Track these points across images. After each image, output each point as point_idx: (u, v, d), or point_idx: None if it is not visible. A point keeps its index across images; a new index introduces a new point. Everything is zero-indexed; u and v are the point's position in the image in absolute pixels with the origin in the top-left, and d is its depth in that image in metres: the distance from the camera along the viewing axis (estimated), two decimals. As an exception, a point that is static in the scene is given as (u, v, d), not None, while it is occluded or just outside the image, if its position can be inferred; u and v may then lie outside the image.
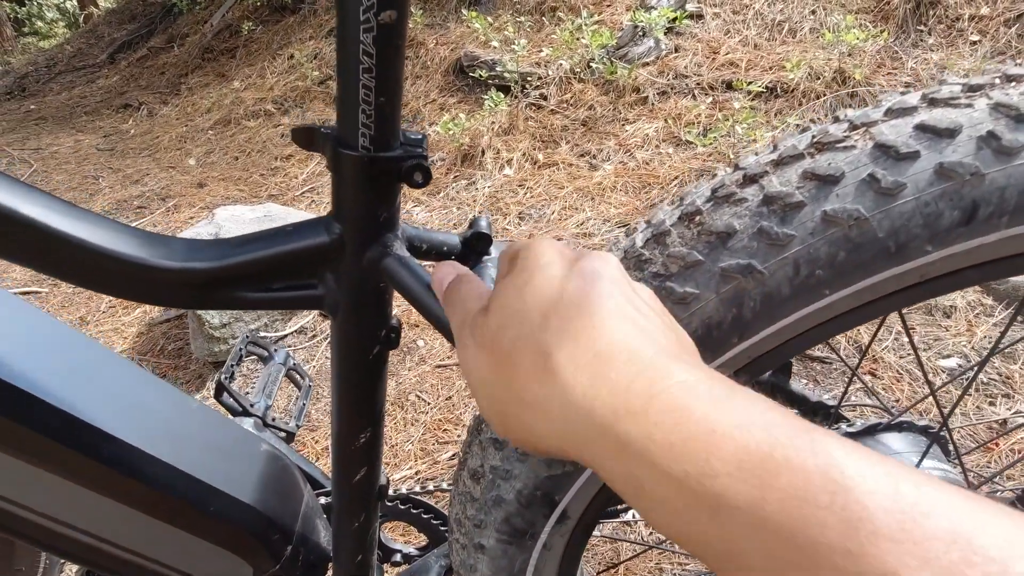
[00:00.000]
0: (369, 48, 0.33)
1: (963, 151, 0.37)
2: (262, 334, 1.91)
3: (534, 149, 2.89)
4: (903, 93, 0.42)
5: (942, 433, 0.66)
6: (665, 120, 2.84)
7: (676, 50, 3.18)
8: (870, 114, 0.41)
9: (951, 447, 0.64)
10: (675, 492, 0.22)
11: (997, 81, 0.39)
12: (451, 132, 2.93)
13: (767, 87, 2.80)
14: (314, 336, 1.98)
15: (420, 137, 0.39)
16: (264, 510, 0.54)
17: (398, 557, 0.78)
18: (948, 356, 1.62)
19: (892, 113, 0.40)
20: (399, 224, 0.41)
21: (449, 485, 0.78)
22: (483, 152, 2.90)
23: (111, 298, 2.33)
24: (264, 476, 0.56)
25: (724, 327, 0.40)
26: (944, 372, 1.58)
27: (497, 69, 3.19)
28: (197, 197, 3.14)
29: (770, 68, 2.93)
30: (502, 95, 3.05)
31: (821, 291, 0.39)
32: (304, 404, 0.81)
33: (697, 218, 0.41)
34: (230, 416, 0.71)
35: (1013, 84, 0.39)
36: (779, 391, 0.69)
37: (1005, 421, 1.41)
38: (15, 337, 0.45)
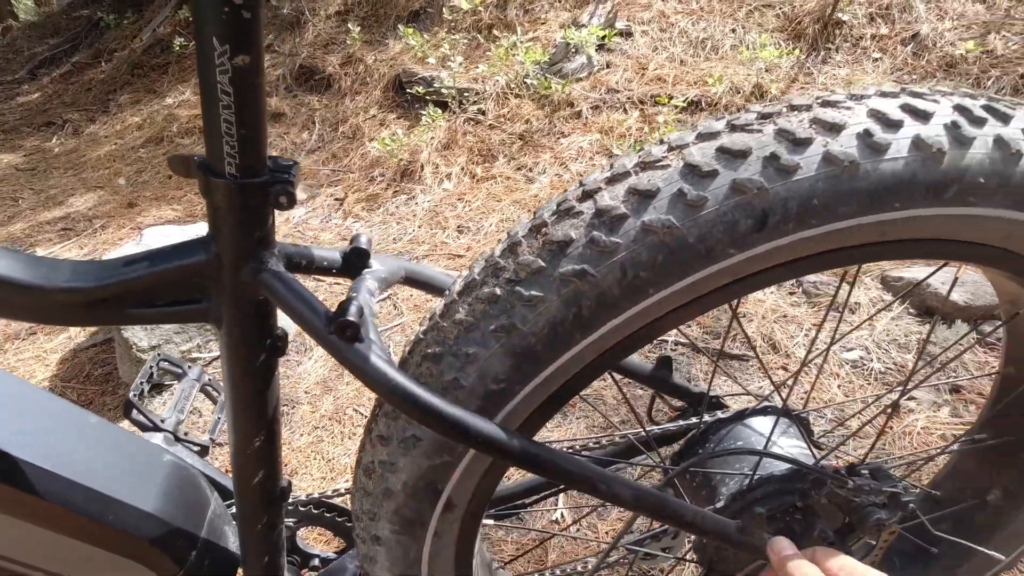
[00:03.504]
0: (226, 87, 0.37)
1: (752, 169, 0.44)
2: (195, 355, 1.89)
3: (472, 163, 2.95)
4: (717, 119, 0.49)
5: (804, 415, 0.74)
6: (598, 133, 2.95)
7: (607, 66, 3.31)
8: (685, 137, 0.47)
9: (806, 426, 0.72)
10: None
11: (783, 110, 0.47)
12: (390, 148, 2.96)
13: (692, 100, 2.95)
14: (249, 354, 1.97)
15: (291, 164, 0.43)
16: (165, 518, 0.56)
17: (316, 562, 0.80)
18: (851, 349, 1.75)
19: (701, 136, 0.47)
20: (274, 242, 0.45)
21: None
22: (422, 167, 2.94)
23: (31, 325, 2.24)
24: (166, 486, 0.59)
25: (567, 325, 0.46)
26: (848, 364, 1.71)
27: (435, 85, 3.24)
28: (127, 217, 3.06)
29: (695, 83, 3.09)
30: (440, 111, 3.10)
31: (647, 290, 0.45)
32: (220, 418, 0.83)
33: (543, 229, 0.47)
34: (138, 432, 0.73)
35: (795, 113, 0.46)
36: (662, 384, 0.76)
37: (896, 403, 1.54)
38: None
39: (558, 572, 0.83)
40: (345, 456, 1.61)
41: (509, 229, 0.49)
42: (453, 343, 0.49)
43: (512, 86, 3.24)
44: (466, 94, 3.20)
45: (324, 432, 1.68)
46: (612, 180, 0.47)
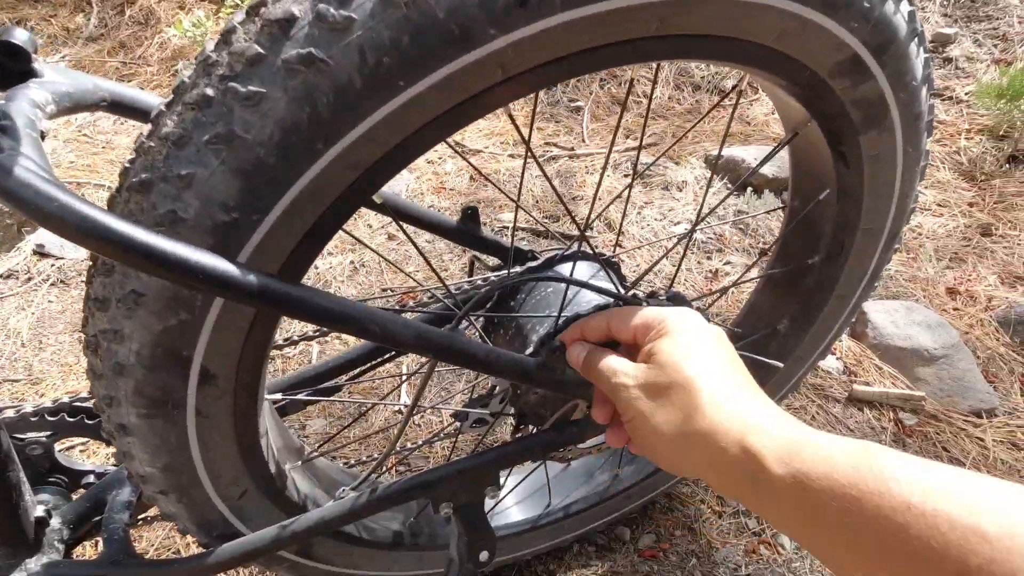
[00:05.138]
0: None
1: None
2: (-47, 285, 1.54)
3: (295, 53, 2.63)
4: None
5: (614, 259, 0.73)
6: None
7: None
8: None
9: (610, 266, 0.72)
10: (778, 482, 0.34)
11: None
12: (192, 36, 2.53)
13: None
14: (29, 279, 1.66)
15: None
16: None
17: (91, 478, 0.69)
18: (679, 223, 1.86)
19: None
20: None
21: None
22: (236, 57, 2.56)
23: None
24: None
25: (302, 129, 0.37)
26: (674, 237, 1.81)
27: (241, -41, 2.78)
28: None
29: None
30: (250, -10, 2.68)
31: (395, 83, 0.38)
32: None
33: (261, 9, 0.37)
34: None
35: None
36: (470, 239, 0.71)
37: (716, 271, 1.67)
38: None
39: (376, 455, 0.79)
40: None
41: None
42: (163, 165, 0.38)
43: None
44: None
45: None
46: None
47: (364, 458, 0.96)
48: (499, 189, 0.58)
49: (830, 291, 0.81)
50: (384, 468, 1.06)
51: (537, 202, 1.90)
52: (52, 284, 1.66)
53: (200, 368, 0.46)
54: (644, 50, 0.45)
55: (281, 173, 0.39)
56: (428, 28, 0.37)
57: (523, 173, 0.62)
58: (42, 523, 0.58)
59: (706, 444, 0.38)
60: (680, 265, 0.77)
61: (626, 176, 2.03)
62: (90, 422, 0.64)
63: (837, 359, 1.38)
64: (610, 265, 0.73)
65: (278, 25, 0.36)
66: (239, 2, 2.60)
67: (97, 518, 0.64)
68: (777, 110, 0.69)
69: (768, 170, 1.88)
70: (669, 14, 0.43)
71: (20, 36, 0.38)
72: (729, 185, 1.95)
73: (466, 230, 0.69)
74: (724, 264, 1.71)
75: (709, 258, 1.73)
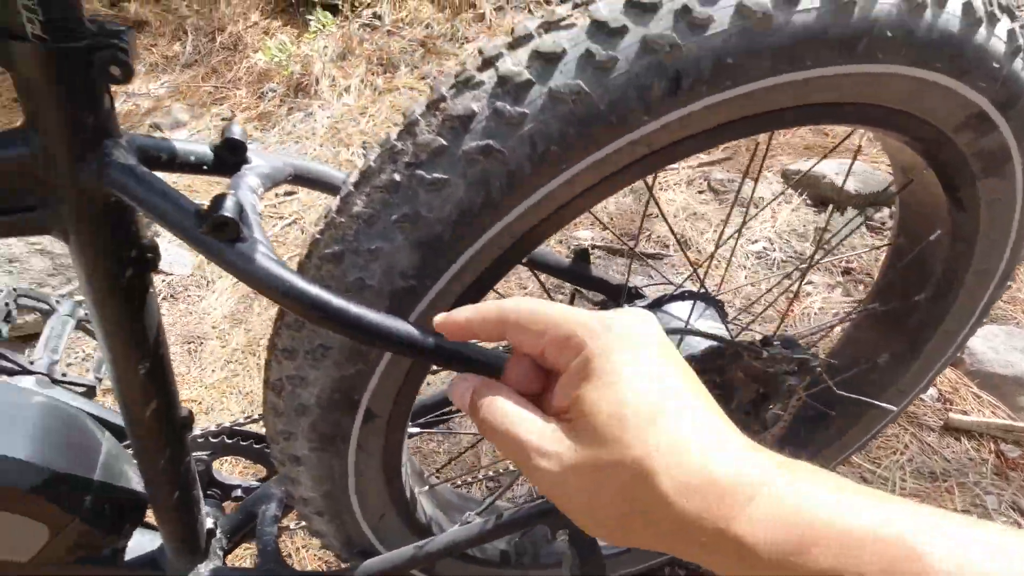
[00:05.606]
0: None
1: (663, 24, 0.40)
2: (80, 298, 1.71)
3: (372, 74, 2.75)
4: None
5: (709, 296, 0.75)
6: (503, 36, 2.80)
7: (510, -38, 3.10)
8: (590, -8, 0.43)
9: (721, 309, 0.74)
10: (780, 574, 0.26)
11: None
12: (278, 59, 2.69)
13: None
14: (144, 294, 1.81)
15: (121, 28, 0.35)
16: (45, 464, 0.50)
17: (239, 492, 0.77)
18: (756, 241, 1.84)
19: (608, -10, 0.42)
20: (119, 130, 0.38)
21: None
22: (318, 80, 2.70)
23: None
24: (42, 431, 0.52)
25: (476, 209, 0.42)
26: (753, 256, 1.80)
27: (322, -14, 2.93)
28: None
29: (600, -20, 2.97)
30: (330, 15, 2.83)
31: (559, 166, 0.42)
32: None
33: (441, 105, 0.42)
34: (3, 378, 0.64)
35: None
36: (580, 278, 0.75)
37: (797, 292, 1.65)
38: None
39: (491, 474, 0.84)
40: (252, 375, 1.55)
41: (404, 109, 0.43)
42: (353, 239, 0.44)
43: (409, -14, 2.98)
44: (359, -4, 2.92)
45: (238, 366, 1.60)
46: (514, 44, 0.42)
47: (479, 479, 1.01)
48: (612, 232, 0.61)
49: (936, 327, 0.80)
50: (495, 490, 1.12)
51: (612, 219, 1.92)
52: (163, 298, 1.81)
53: (365, 409, 0.52)
54: (778, 120, 0.48)
55: (455, 245, 0.44)
56: (591, 119, 0.41)
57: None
58: (211, 533, 0.66)
59: (677, 536, 0.28)
60: (790, 306, 0.79)
61: (700, 192, 2.02)
62: (244, 444, 0.72)
63: (931, 386, 1.34)
64: (714, 304, 0.75)
65: (459, 120, 0.41)
66: (322, 27, 2.75)
67: (246, 529, 0.72)
68: (888, 156, 0.69)
69: (850, 185, 1.84)
70: (806, 90, 0.46)
71: (237, 131, 0.45)
72: (808, 201, 1.91)
73: (577, 269, 0.73)
74: (805, 283, 1.68)
75: (787, 277, 1.71)
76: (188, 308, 1.79)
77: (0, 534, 0.51)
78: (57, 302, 0.74)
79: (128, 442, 0.63)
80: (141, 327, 0.46)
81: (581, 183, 0.45)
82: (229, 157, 0.44)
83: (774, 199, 1.93)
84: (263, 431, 0.74)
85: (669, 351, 0.31)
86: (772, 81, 0.44)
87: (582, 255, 0.74)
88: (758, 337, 0.67)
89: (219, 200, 0.37)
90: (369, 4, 2.89)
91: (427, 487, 0.72)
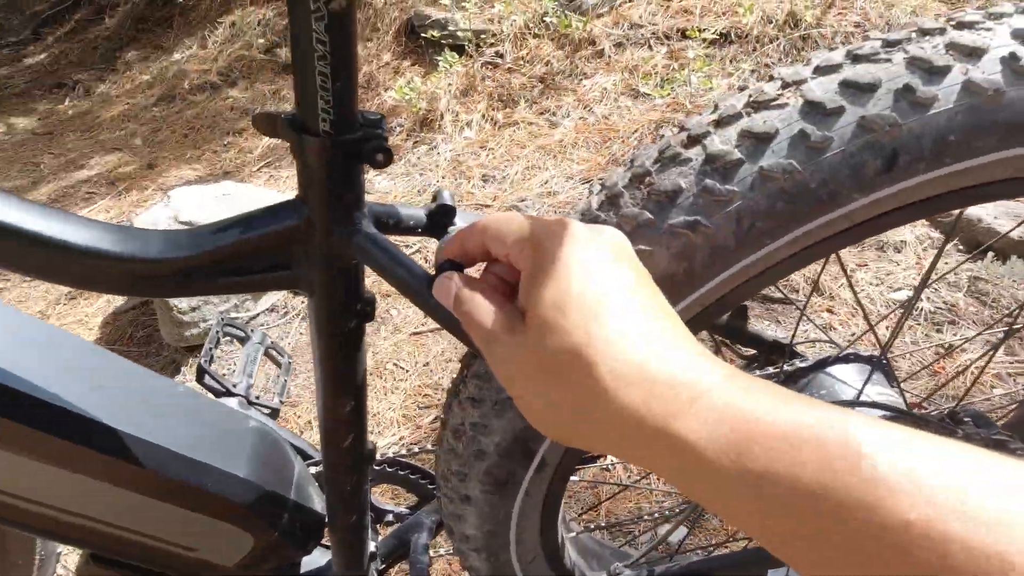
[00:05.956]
0: (322, 36, 0.34)
1: (883, 104, 0.40)
2: (232, 315, 1.90)
3: (493, 109, 2.87)
4: (831, 50, 0.45)
5: (884, 361, 0.72)
6: (622, 72, 2.83)
7: (629, -1, 3.15)
8: (800, 71, 0.43)
9: (893, 373, 0.70)
10: (723, 477, 0.25)
11: (913, 35, 0.42)
12: (407, 97, 2.88)
13: (721, 33, 2.80)
14: (286, 313, 1.98)
15: (378, 117, 0.40)
16: (258, 481, 0.56)
17: (390, 517, 0.82)
18: (899, 289, 1.71)
19: (820, 70, 0.43)
20: (364, 202, 0.43)
21: (433, 446, 0.82)
22: (442, 115, 2.86)
23: (71, 289, 2.27)
24: (255, 451, 0.59)
25: (676, 280, 0.44)
26: (896, 304, 1.67)
27: (449, 28, 3.11)
28: (148, 179, 3.04)
29: (724, 13, 2.93)
30: (456, 55, 2.99)
31: (762, 241, 0.43)
32: (285, 381, 0.83)
33: (647, 179, 0.44)
34: (213, 398, 0.73)
35: (927, 38, 0.42)
36: (737, 333, 0.74)
37: (950, 345, 1.51)
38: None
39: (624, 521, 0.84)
40: (390, 411, 1.63)
41: (601, 179, 0.46)
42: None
43: (530, 25, 3.10)
44: (482, 36, 3.07)
45: (367, 388, 1.69)
46: (721, 123, 0.44)
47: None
48: (784, 296, 0.60)
49: None
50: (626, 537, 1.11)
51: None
52: (303, 319, 1.97)
53: (540, 458, 0.54)
54: (986, 193, 0.46)
55: (649, 313, 0.45)
56: (800, 196, 0.41)
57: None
58: (372, 556, 0.71)
59: (617, 431, 0.28)
60: (979, 377, 0.73)
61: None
62: (402, 474, 0.77)
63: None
64: (881, 368, 0.71)
65: (665, 195, 0.43)
66: (449, 66, 2.91)
67: (398, 554, 0.76)
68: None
69: (1015, 231, 1.67)
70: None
71: (447, 197, 0.49)
72: (961, 247, 1.76)
73: (736, 326, 0.73)
74: (955, 336, 1.54)
75: (939, 330, 1.57)
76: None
77: (215, 539, 0.58)
78: (252, 331, 0.84)
79: (308, 463, 0.69)
80: (353, 370, 0.51)
81: (778, 255, 0.45)
82: (440, 220, 0.48)
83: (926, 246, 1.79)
84: (416, 462, 0.79)
85: (626, 256, 0.32)
86: (995, 156, 0.42)
87: (739, 311, 0.73)
88: (928, 406, 0.62)
89: (443, 267, 0.41)
90: (492, 44, 3.04)
91: (574, 533, 0.73)
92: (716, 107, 0.45)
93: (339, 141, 0.38)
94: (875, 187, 0.41)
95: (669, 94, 2.61)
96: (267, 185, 2.78)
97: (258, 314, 1.96)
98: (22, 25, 5.31)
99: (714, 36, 2.77)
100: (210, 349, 0.75)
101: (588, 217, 0.46)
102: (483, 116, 2.85)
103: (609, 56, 2.94)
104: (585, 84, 2.86)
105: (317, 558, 0.72)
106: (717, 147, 0.42)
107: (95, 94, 4.24)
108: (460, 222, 0.51)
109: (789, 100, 0.42)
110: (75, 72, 4.50)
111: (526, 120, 2.78)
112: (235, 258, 0.42)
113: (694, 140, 0.44)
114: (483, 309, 0.33)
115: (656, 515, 0.98)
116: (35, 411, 0.43)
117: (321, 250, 0.43)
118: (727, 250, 0.43)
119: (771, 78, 0.45)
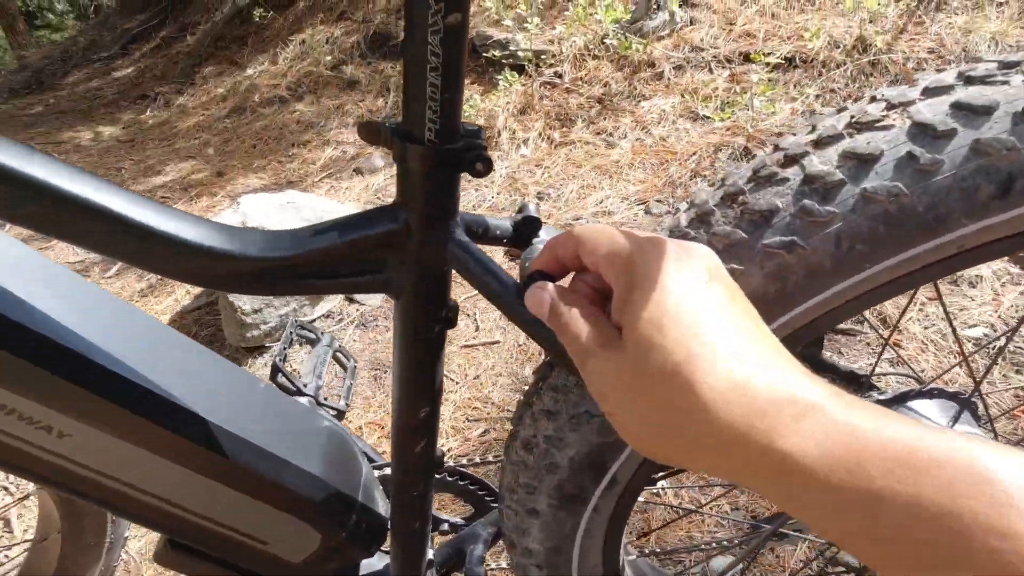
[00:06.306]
0: (436, 49, 0.35)
1: (999, 127, 0.38)
2: (292, 318, 1.96)
3: (550, 128, 2.89)
4: (939, 71, 0.43)
5: (973, 399, 0.68)
6: (682, 95, 2.81)
7: (691, 22, 3.14)
8: (907, 93, 0.42)
9: (981, 412, 0.66)
10: (833, 496, 0.24)
11: (1032, 57, 0.40)
12: (467, 114, 2.94)
13: (786, 58, 2.76)
14: (340, 319, 2.03)
15: (477, 129, 0.41)
16: (329, 481, 0.58)
17: (445, 527, 0.82)
18: (974, 326, 1.62)
19: (928, 92, 0.41)
20: (458, 211, 0.44)
21: (494, 458, 0.82)
22: (499, 133, 2.90)
23: (142, 287, 2.39)
24: (327, 450, 0.60)
25: (767, 300, 0.43)
26: (970, 341, 1.58)
27: (510, 48, 3.17)
28: (218, 186, 3.19)
29: (788, 38, 2.89)
30: (516, 74, 3.04)
31: (861, 265, 0.41)
32: (351, 384, 0.85)
33: (740, 198, 0.44)
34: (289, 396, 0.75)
35: (1048, 60, 0.40)
36: (810, 361, 0.72)
37: (1031, 388, 1.42)
38: (100, 323, 0.49)
39: (679, 548, 0.81)
40: (442, 420, 1.64)
41: (689, 198, 0.45)
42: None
43: (590, 47, 3.13)
44: (543, 56, 3.12)
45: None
46: (820, 143, 0.43)
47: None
48: (871, 325, 0.58)
49: None
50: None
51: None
52: (357, 326, 2.01)
53: (612, 475, 0.53)
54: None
55: (737, 333, 0.44)
56: (905, 220, 0.40)
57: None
58: (429, 564, 0.71)
59: (718, 448, 0.28)
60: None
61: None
62: (461, 483, 0.77)
63: None
64: (965, 405, 0.68)
65: (760, 215, 0.42)
66: (508, 85, 2.96)
67: (453, 563, 0.76)
68: None
69: (1104, 271, 1.56)
70: None
71: (532, 209, 0.49)
72: (1045, 285, 1.65)
73: (808, 354, 0.70)
74: (1039, 380, 1.44)
75: (1019, 371, 1.48)
76: (376, 336, 1.97)
77: (285, 534, 0.59)
78: (322, 333, 0.86)
79: (374, 466, 0.70)
80: (431, 376, 0.52)
81: (876, 280, 0.43)
82: (525, 231, 0.48)
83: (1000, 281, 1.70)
84: (475, 473, 0.79)
85: (719, 274, 0.32)
86: (1120, 185, 0.39)
87: (815, 340, 0.70)
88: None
89: (533, 276, 0.41)
90: (552, 64, 3.07)
91: (633, 556, 0.71)
92: (814, 128, 0.45)
93: (442, 150, 0.39)
94: (987, 213, 0.40)
95: (729, 117, 2.58)
96: (328, 195, 2.88)
97: (315, 319, 2.01)
98: (113, 41, 5.72)
99: (778, 60, 2.72)
100: (284, 349, 0.78)
101: (677, 234, 0.46)
102: (540, 135, 2.87)
103: (668, 78, 2.93)
104: (643, 106, 2.86)
105: (374, 562, 0.73)
106: (817, 167, 0.41)
107: (174, 106, 4.50)
108: (544, 235, 0.52)
109: (895, 121, 0.41)
110: (157, 85, 4.79)
111: (583, 140, 2.79)
112: (332, 260, 0.43)
113: (791, 160, 0.43)
114: (579, 322, 0.33)
115: (713, 545, 0.95)
116: (134, 396, 0.46)
117: (415, 256, 0.44)
118: (823, 272, 0.42)
119: (873, 99, 0.44)
